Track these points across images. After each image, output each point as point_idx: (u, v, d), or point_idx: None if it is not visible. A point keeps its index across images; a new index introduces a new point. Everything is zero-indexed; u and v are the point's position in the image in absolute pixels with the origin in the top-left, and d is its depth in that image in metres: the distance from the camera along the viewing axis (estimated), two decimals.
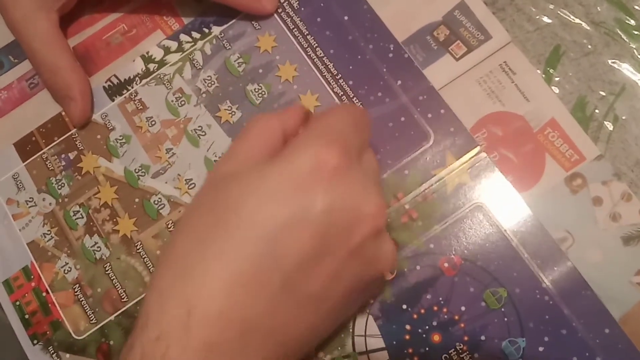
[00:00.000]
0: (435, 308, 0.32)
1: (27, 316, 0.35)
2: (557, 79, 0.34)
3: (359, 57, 0.35)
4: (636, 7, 0.34)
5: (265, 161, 0.25)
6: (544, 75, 0.34)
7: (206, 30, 0.37)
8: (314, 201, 0.24)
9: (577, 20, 0.35)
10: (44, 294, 0.35)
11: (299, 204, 0.24)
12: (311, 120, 0.28)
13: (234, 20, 0.37)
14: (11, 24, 0.36)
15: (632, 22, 0.34)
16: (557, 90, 0.34)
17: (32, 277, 0.35)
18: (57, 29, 0.36)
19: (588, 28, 0.35)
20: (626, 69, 0.34)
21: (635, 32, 0.34)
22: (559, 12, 0.35)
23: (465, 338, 0.31)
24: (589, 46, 0.34)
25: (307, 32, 0.36)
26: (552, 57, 0.34)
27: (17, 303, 0.35)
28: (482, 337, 0.31)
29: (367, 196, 0.25)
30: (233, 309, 0.23)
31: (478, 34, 0.35)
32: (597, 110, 0.33)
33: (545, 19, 0.35)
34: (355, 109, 0.30)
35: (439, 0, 0.36)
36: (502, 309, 0.31)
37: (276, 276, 0.23)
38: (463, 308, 0.31)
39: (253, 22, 0.37)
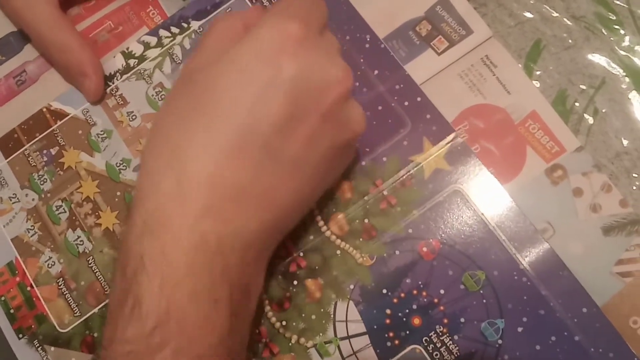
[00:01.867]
0: (415, 292, 0.32)
1: (12, 311, 0.35)
2: (538, 72, 0.34)
3: None
4: (616, 2, 0.35)
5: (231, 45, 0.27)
6: (525, 69, 0.34)
7: (185, 25, 0.38)
8: (282, 69, 0.25)
9: (558, 15, 0.35)
10: (29, 288, 0.35)
11: (268, 74, 0.25)
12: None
13: (212, 15, 0.38)
14: (13, 12, 0.37)
15: (613, 17, 0.35)
16: (538, 84, 0.34)
17: (17, 272, 0.35)
18: (60, 10, 0.37)
19: (568, 22, 0.35)
20: (606, 62, 0.34)
21: (615, 27, 0.35)
22: (539, 7, 0.35)
23: (445, 321, 0.31)
24: (570, 40, 0.35)
25: None
26: (533, 51, 0.35)
27: (2, 298, 0.35)
28: (462, 320, 0.31)
29: (333, 62, 0.27)
30: (221, 174, 0.25)
31: (460, 29, 0.35)
32: (577, 104, 0.34)
33: (526, 14, 0.35)
34: None
35: None
36: (481, 291, 0.31)
37: (257, 142, 0.25)
38: (442, 291, 0.32)
39: None
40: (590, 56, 0.34)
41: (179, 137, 0.25)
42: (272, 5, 0.29)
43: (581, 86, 0.34)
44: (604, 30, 0.34)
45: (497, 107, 0.34)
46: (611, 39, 0.34)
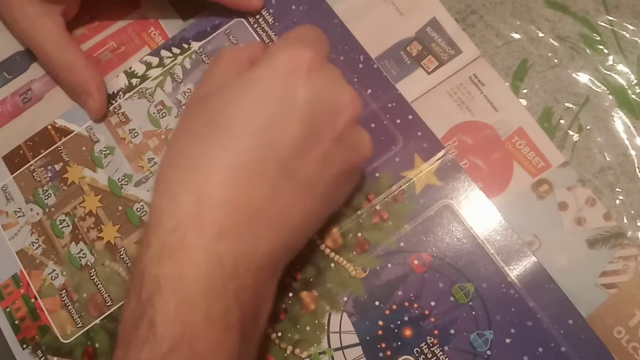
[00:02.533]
0: (407, 304, 0.33)
1: (16, 322, 0.36)
2: (524, 90, 0.36)
3: None
4: (600, 23, 0.36)
5: (244, 71, 0.28)
6: (512, 87, 0.36)
7: (186, 46, 0.39)
8: (296, 92, 0.26)
9: (544, 35, 0.36)
10: (33, 300, 0.36)
11: (283, 97, 0.26)
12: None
13: (212, 36, 0.39)
14: (21, 33, 0.38)
15: (597, 37, 0.36)
16: (524, 102, 0.35)
17: (21, 284, 0.37)
18: (66, 31, 0.38)
19: (554, 42, 0.36)
20: (590, 81, 0.35)
21: (599, 46, 0.36)
22: (526, 27, 0.37)
23: (436, 332, 0.32)
24: (555, 60, 0.36)
25: None
26: (520, 70, 0.36)
27: (7, 309, 0.36)
28: (452, 331, 0.32)
29: (342, 87, 0.28)
30: (239, 195, 0.25)
31: (449, 49, 0.37)
32: (562, 121, 0.35)
33: (513, 34, 0.37)
34: (311, 26, 0.31)
35: (412, 17, 0.38)
36: (470, 303, 0.32)
37: (273, 163, 0.26)
38: (433, 303, 0.33)
39: (230, 37, 0.39)
40: (575, 75, 0.36)
41: (198, 155, 0.26)
42: (282, 35, 0.30)
43: (566, 104, 0.35)
44: (588, 50, 0.36)
45: (485, 123, 0.35)
46: (595, 58, 0.36)
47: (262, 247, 0.26)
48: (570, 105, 0.35)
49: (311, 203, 0.28)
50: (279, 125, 0.26)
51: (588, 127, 0.34)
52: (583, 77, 0.35)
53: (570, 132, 0.34)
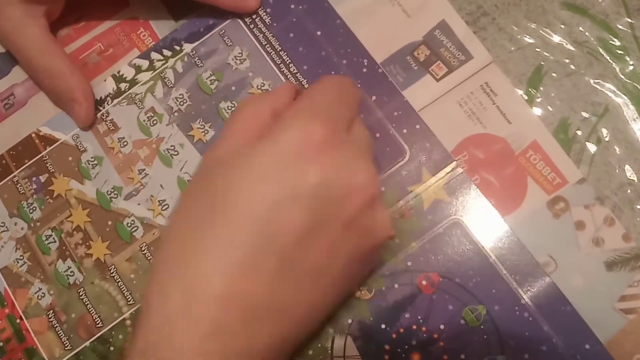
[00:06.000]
0: (414, 327, 0.31)
1: (1, 344, 0.34)
2: (539, 99, 0.33)
3: (333, 72, 0.35)
4: (619, 27, 0.34)
5: (252, 143, 0.25)
6: (526, 96, 0.34)
7: (177, 48, 0.37)
8: (303, 177, 0.24)
9: (560, 40, 0.34)
10: (18, 320, 0.34)
11: (287, 182, 0.24)
12: (298, 97, 0.28)
13: (205, 37, 0.37)
14: (3, 36, 0.36)
15: (616, 42, 0.34)
16: (539, 112, 0.33)
17: (6, 303, 0.35)
18: (49, 34, 0.36)
19: (571, 48, 0.34)
20: (609, 89, 0.33)
21: (619, 52, 0.34)
22: (541, 31, 0.34)
23: (445, 357, 0.31)
24: (572, 66, 0.34)
25: (280, 48, 0.36)
26: (534, 77, 0.34)
27: None
28: (462, 356, 0.31)
29: (357, 167, 0.25)
30: (233, 291, 0.23)
31: (459, 54, 0.35)
32: (579, 132, 0.33)
33: (527, 39, 0.34)
34: (340, 79, 0.29)
35: (420, 19, 0.35)
36: (482, 327, 0.31)
37: (273, 256, 0.23)
38: (442, 326, 0.31)
39: (225, 39, 0.36)
40: (593, 83, 0.33)
41: (191, 248, 0.24)
42: (299, 98, 0.27)
43: (583, 114, 0.33)
44: (607, 56, 0.34)
45: (497, 136, 0.33)
46: (615, 65, 0.33)
47: (260, 344, 0.24)
48: (588, 116, 0.33)
49: (317, 295, 0.25)
50: (281, 215, 0.23)
51: (607, 139, 0.32)
52: (602, 85, 0.33)
53: (588, 145, 0.32)
